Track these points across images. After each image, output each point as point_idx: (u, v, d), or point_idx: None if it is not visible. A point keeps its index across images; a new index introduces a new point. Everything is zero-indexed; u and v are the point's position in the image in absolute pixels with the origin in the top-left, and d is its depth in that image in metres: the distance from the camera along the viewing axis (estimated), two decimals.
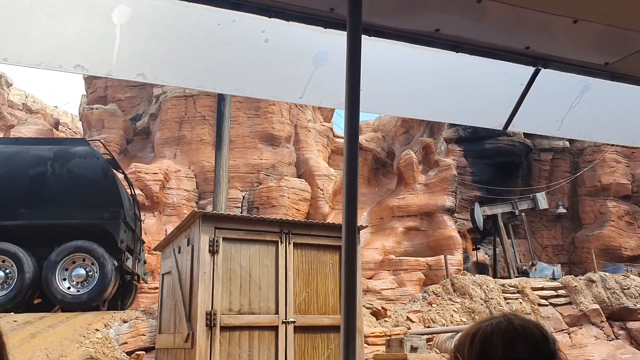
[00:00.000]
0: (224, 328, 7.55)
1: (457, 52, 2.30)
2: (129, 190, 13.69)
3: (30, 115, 26.50)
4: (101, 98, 27.29)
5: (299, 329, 8.13)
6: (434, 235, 23.71)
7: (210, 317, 7.43)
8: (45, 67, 2.17)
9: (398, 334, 12.61)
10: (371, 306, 13.90)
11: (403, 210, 24.28)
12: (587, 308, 15.21)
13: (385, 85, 2.52)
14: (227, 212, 11.67)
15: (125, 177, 13.46)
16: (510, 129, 2.82)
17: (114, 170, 13.37)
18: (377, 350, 11.77)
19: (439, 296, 15.21)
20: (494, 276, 23.08)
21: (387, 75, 2.49)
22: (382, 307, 13.98)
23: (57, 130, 28.25)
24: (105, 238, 11.57)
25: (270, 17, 2.09)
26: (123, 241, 11.68)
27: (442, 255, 21.82)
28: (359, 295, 8.91)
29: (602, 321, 15.21)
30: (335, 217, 26.00)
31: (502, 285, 15.62)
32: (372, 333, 12.27)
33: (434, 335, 13.76)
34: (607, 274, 16.29)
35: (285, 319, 8.04)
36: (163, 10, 2.09)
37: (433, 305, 14.69)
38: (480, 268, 24.64)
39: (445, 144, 26.82)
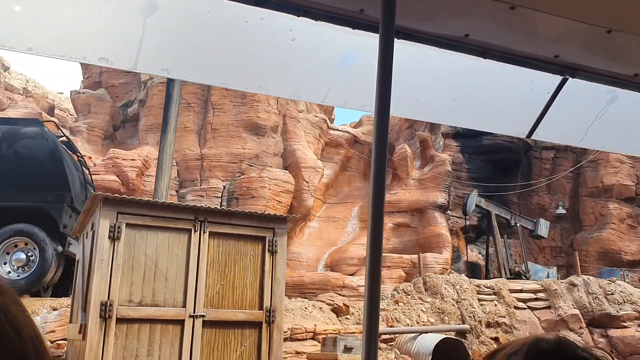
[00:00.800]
0: (121, 320, 7.02)
1: (485, 58, 2.28)
2: (89, 177, 13.27)
3: (24, 98, 26.34)
4: (96, 83, 27.03)
5: (208, 324, 7.58)
6: (424, 233, 23.01)
7: (105, 308, 6.90)
8: (70, 59, 2.18)
9: (353, 332, 12.02)
10: (332, 302, 13.32)
11: (393, 206, 23.60)
12: (565, 313, 14.44)
13: (412, 89, 2.49)
14: (165, 200, 11.17)
15: (81, 161, 13.04)
16: (533, 137, 2.78)
17: (71, 154, 12.98)
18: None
19: (409, 295, 14.56)
20: (486, 277, 22.31)
21: (413, 78, 2.46)
22: (344, 304, 13.40)
23: (52, 115, 28.07)
24: (49, 222, 11.16)
25: (298, 16, 2.07)
26: (67, 226, 11.25)
27: (427, 253, 21.13)
28: (281, 291, 8.34)
29: (581, 327, 14.42)
30: (327, 210, 25.43)
31: (477, 286, 14.91)
32: (325, 330, 11.69)
33: (397, 335, 13.14)
34: (590, 278, 15.48)
35: (194, 312, 7.50)
36: (191, 6, 2.09)
37: (400, 304, 14.04)
38: (472, 268, 23.87)
39: (443, 139, 26.05)
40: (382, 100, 1.88)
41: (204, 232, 7.70)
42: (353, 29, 2.12)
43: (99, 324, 6.91)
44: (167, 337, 7.33)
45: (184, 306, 7.41)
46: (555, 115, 2.67)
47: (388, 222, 23.54)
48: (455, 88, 2.57)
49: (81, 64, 29.22)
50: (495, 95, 2.65)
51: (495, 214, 23.63)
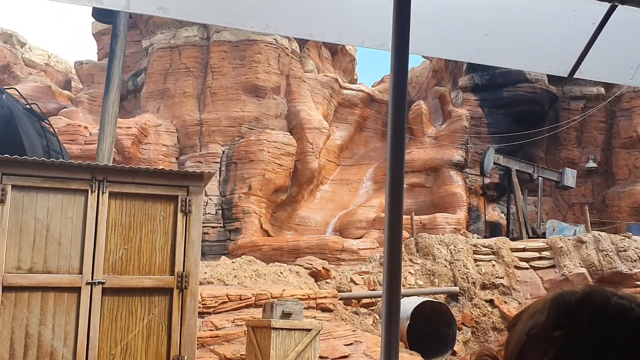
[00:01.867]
0: (8, 288, 6.54)
1: None
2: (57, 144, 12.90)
3: (37, 72, 26.47)
4: (107, 54, 26.85)
5: (110, 291, 7.01)
6: (439, 192, 21.91)
7: None
8: (60, 0, 2.12)
9: (325, 297, 11.33)
10: (310, 266, 12.63)
11: (407, 166, 22.51)
12: (570, 272, 13.27)
13: (437, 24, 2.26)
14: (107, 163, 10.63)
15: (45, 128, 12.67)
16: (576, 76, 2.51)
17: (41, 122, 12.63)
18: None
19: None
20: (507, 237, 21.10)
21: (438, 12, 2.22)
22: (323, 268, 12.69)
23: (69, 88, 28.15)
24: None
25: None
26: None
27: (437, 213, 20.10)
28: (196, 254, 7.70)
29: None
30: (341, 173, 24.62)
31: (474, 246, 13.89)
32: (292, 295, 11.03)
33: (377, 300, 12.37)
34: (602, 233, 14.17)
35: (92, 279, 6.93)
36: None
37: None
38: (493, 228, 22.65)
39: (461, 94, 24.61)
40: (400, 37, 1.74)
41: (103, 193, 7.07)
42: None
43: None
44: (62, 305, 6.80)
45: (80, 273, 6.85)
46: (601, 50, 2.36)
47: None
48: (487, 22, 2.30)
49: (94, 34, 29.11)
50: (533, 29, 2.38)
51: (516, 170, 22.25)
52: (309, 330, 8.07)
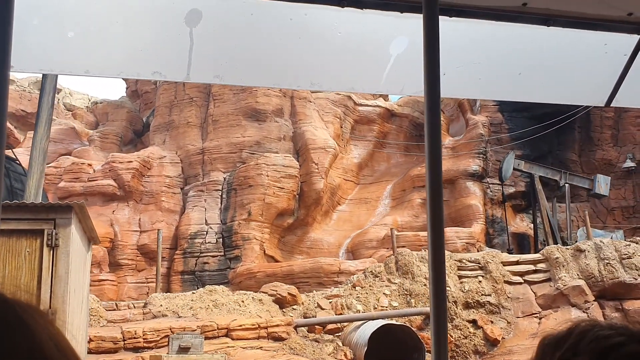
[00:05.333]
0: None
1: (548, 26, 2.20)
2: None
3: (63, 115, 27.57)
4: (133, 92, 27.63)
5: None
6: (455, 205, 20.74)
7: None
8: (125, 76, 2.37)
9: (277, 325, 10.70)
10: (275, 293, 12.04)
11: (423, 180, 21.39)
12: (565, 285, 11.94)
13: (471, 68, 2.42)
14: (34, 200, 10.51)
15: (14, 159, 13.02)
16: (614, 104, 2.61)
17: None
18: (230, 347, 10.01)
19: (378, 276, 12.84)
20: (535, 248, 19.59)
21: (471, 57, 2.39)
22: (289, 293, 12.06)
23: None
24: None
25: (342, 7, 2.05)
26: None
27: (448, 228, 18.94)
28: (63, 290, 7.43)
29: (586, 301, 11.85)
30: (360, 192, 23.90)
31: (459, 261, 12.82)
32: (241, 326, 10.50)
33: (345, 325, 11.58)
34: (604, 240, 12.73)
35: None
36: (234, 10, 2.11)
37: (357, 288, 12.40)
38: (519, 240, 21.17)
39: (479, 100, 23.37)
40: (431, 82, 1.85)
41: None
42: (401, 12, 2.07)
43: None
44: None
45: None
46: (636, 78, 2.46)
47: (417, 198, 21.54)
48: (519, 62, 2.43)
49: None
50: (565, 65, 2.48)
51: (542, 177, 20.75)
52: None
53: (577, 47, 2.37)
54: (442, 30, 1.90)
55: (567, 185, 20.04)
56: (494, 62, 2.43)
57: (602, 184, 20.20)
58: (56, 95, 32.76)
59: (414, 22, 2.06)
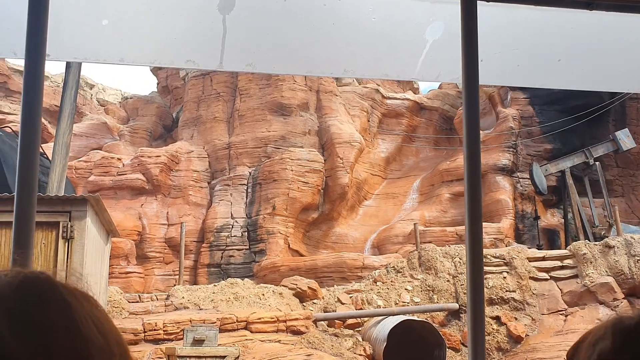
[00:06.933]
0: None
1: (590, 9, 2.10)
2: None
3: (95, 111, 28.08)
4: (164, 88, 27.96)
5: None
6: (484, 200, 20.25)
7: None
8: (159, 64, 2.33)
9: (296, 319, 10.70)
10: (295, 287, 12.04)
11: (451, 174, 21.26)
12: (592, 282, 11.62)
13: (509, 54, 2.38)
14: (63, 193, 10.67)
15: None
16: None
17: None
18: (248, 340, 10.05)
19: (400, 272, 12.72)
20: (566, 244, 19.13)
21: (510, 43, 2.34)
22: (309, 287, 12.04)
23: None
24: None
25: None
26: None
27: (486, 222, 18.64)
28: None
29: (615, 299, 11.51)
30: (387, 187, 23.73)
31: (485, 257, 12.57)
32: (260, 319, 10.52)
33: (365, 320, 11.50)
34: (635, 236, 12.32)
35: None
36: None
37: (378, 283, 12.29)
38: (550, 235, 20.70)
39: (509, 92, 22.93)
40: (469, 69, 1.82)
41: None
42: None
43: None
44: None
45: None
46: None
47: (445, 193, 21.27)
48: (559, 47, 2.36)
49: (151, 70, 30.50)
50: (609, 50, 2.39)
51: (571, 167, 20.26)
52: (224, 357, 7.56)
53: (621, 31, 2.31)
54: (479, 15, 1.87)
55: (597, 163, 19.52)
56: (533, 48, 2.38)
57: (624, 138, 19.60)
58: (89, 90, 33.23)
59: (451, 7, 2.04)
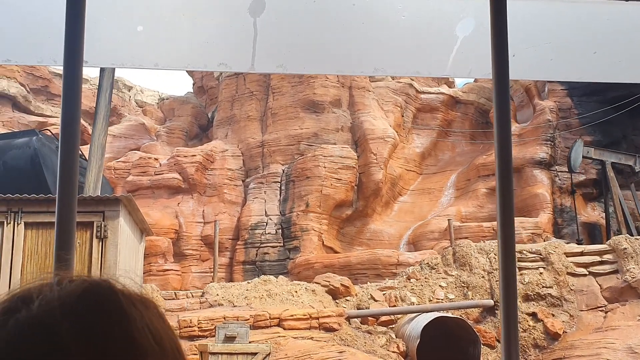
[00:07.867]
0: None
1: (627, 0, 2.07)
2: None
3: (134, 112, 28.63)
4: (199, 88, 28.34)
5: None
6: (522, 195, 20.00)
7: None
8: (192, 68, 2.42)
9: (329, 316, 10.72)
10: (327, 284, 12.05)
11: (488, 169, 20.91)
12: (634, 278, 11.30)
13: (541, 49, 2.36)
14: (92, 194, 10.93)
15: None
16: None
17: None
18: (281, 337, 10.11)
19: (434, 268, 12.60)
20: (607, 239, 18.62)
21: (542, 37, 2.33)
22: (342, 284, 12.04)
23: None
24: None
25: None
26: None
27: (524, 216, 18.35)
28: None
29: None
30: (422, 182, 23.53)
31: (519, 252, 12.35)
32: (292, 316, 10.58)
33: (397, 317, 11.44)
34: None
35: None
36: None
37: (411, 280, 12.20)
38: (591, 230, 20.17)
39: (547, 84, 22.41)
40: (499, 64, 1.82)
41: (19, 224, 7.30)
42: None
43: None
44: None
45: None
46: None
47: (482, 188, 20.96)
48: (594, 40, 2.32)
49: (187, 71, 30.94)
50: None
51: (614, 163, 19.70)
52: (255, 354, 7.63)
53: None
54: (510, 9, 1.86)
55: None
56: (567, 41, 2.35)
57: None
58: (128, 92, 33.91)
59: (481, 3, 2.02)
